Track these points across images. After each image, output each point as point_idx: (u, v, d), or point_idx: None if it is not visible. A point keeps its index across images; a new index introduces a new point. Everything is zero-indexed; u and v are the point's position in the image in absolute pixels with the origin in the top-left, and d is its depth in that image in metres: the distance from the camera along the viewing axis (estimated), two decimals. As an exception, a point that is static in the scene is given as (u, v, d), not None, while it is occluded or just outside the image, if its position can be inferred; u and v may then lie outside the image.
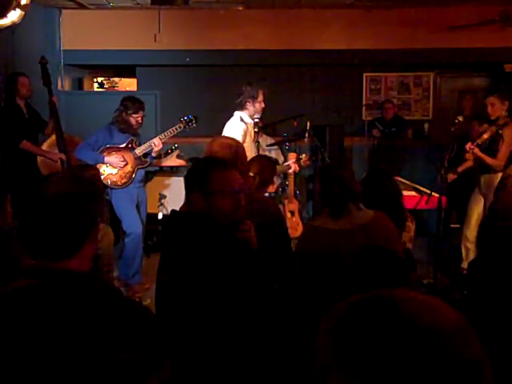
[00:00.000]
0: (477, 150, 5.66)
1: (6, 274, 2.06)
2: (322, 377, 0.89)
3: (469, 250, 5.88)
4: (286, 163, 6.16)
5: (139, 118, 5.59)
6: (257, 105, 5.55)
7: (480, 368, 0.86)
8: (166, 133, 5.68)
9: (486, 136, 5.72)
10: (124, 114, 5.54)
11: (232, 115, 5.55)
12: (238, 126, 5.38)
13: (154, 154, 5.70)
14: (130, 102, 5.59)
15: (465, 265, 5.83)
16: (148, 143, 5.66)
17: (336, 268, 2.88)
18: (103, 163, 5.55)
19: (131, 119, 5.55)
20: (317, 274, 2.94)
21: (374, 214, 3.02)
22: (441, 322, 0.88)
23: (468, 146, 5.69)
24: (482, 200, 5.82)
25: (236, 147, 3.19)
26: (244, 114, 5.50)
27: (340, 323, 0.91)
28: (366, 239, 2.89)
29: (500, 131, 5.64)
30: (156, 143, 5.61)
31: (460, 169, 6.33)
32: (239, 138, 5.06)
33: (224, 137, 3.33)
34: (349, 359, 0.87)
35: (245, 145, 5.17)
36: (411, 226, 3.71)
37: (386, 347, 0.85)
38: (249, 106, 5.53)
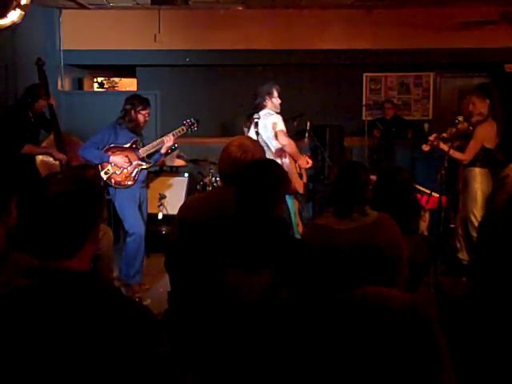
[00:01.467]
0: (437, 142, 5.80)
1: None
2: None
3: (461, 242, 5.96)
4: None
5: (147, 115, 5.63)
6: (274, 100, 5.71)
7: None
8: (173, 133, 5.68)
9: (453, 130, 5.95)
10: (133, 111, 5.55)
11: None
12: (275, 117, 5.60)
13: (163, 151, 5.70)
14: (137, 99, 5.63)
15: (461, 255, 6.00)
16: (152, 144, 5.67)
17: (336, 267, 2.88)
18: (108, 162, 5.56)
19: (140, 116, 5.57)
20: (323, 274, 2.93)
21: (378, 215, 3.02)
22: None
23: (432, 137, 5.88)
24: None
25: (252, 149, 3.16)
26: (269, 110, 5.66)
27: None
28: (367, 239, 2.90)
29: (471, 127, 5.79)
30: (167, 139, 5.63)
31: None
32: (283, 127, 5.48)
33: (243, 138, 3.32)
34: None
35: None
36: (426, 215, 3.74)
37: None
38: (267, 102, 5.69)
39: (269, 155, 5.53)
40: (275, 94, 5.72)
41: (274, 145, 5.62)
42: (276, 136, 5.53)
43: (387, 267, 2.87)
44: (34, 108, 5.89)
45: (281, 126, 5.56)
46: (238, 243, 2.46)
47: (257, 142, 3.33)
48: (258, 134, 5.38)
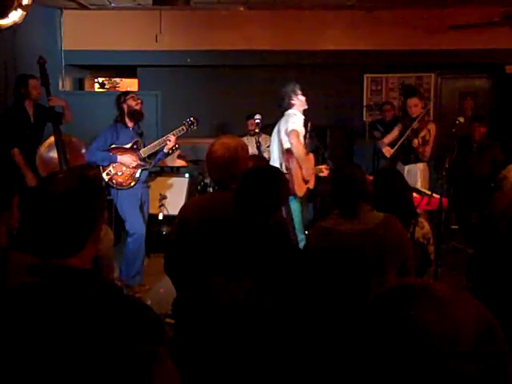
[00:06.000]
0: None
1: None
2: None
3: None
4: (319, 166, 6.29)
5: (136, 99, 5.68)
6: (300, 97, 5.75)
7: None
8: (173, 132, 5.69)
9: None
10: (122, 104, 5.65)
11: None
12: (298, 118, 5.64)
13: (165, 150, 5.71)
14: (120, 94, 5.78)
15: None
16: (153, 144, 5.68)
17: (347, 269, 2.88)
18: (116, 162, 5.59)
19: (130, 102, 5.65)
20: (327, 275, 2.92)
21: (385, 216, 3.02)
22: (451, 329, 0.88)
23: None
24: None
25: (234, 148, 3.14)
26: (295, 111, 5.68)
27: (368, 308, 0.97)
28: (377, 240, 2.89)
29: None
30: (168, 139, 5.64)
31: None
32: (298, 128, 5.49)
33: (227, 137, 3.32)
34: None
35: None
36: (424, 222, 3.71)
37: (385, 345, 0.89)
38: (295, 100, 5.72)
39: (280, 157, 5.55)
40: (299, 91, 5.75)
41: (285, 146, 5.67)
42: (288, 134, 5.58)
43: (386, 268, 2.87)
44: (31, 94, 5.85)
45: (296, 126, 5.58)
46: (225, 250, 2.46)
47: (238, 138, 3.31)
48: (258, 134, 5.38)
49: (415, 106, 6.36)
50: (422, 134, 6.33)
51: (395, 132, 6.55)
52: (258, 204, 2.51)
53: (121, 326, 1.44)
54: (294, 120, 5.61)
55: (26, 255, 2.03)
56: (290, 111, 5.70)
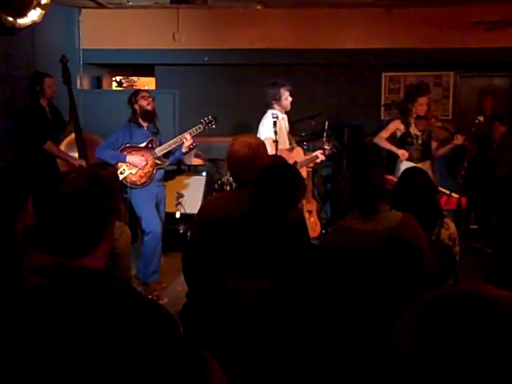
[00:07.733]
0: None
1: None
2: (400, 364, 0.92)
3: None
4: (314, 153, 6.23)
5: (147, 99, 5.68)
6: (283, 103, 5.85)
7: None
8: (189, 131, 5.68)
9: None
10: (134, 104, 5.66)
11: (253, 114, 5.88)
12: (268, 122, 5.70)
13: (184, 150, 5.70)
14: (131, 94, 5.80)
15: None
16: (168, 143, 5.69)
17: (366, 268, 2.86)
18: (125, 162, 5.59)
19: (141, 102, 5.65)
20: (345, 274, 2.90)
21: (404, 216, 3.00)
22: None
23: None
24: None
25: (256, 146, 3.17)
26: (274, 111, 5.76)
27: (424, 314, 0.94)
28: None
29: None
30: (184, 138, 5.63)
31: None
32: (271, 133, 5.48)
33: (246, 135, 3.34)
34: (430, 347, 0.89)
35: (280, 138, 5.56)
36: (450, 223, 3.66)
37: (469, 336, 0.88)
38: (275, 105, 5.85)
39: None
40: (283, 96, 5.83)
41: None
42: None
43: (416, 259, 2.84)
44: (46, 92, 5.89)
45: (267, 133, 5.64)
46: (243, 245, 2.46)
47: (256, 137, 3.36)
48: (276, 133, 5.37)
49: (426, 104, 6.35)
50: (442, 135, 6.32)
51: (392, 127, 6.56)
52: (274, 200, 2.51)
53: (134, 326, 1.43)
54: (265, 123, 5.78)
55: (44, 254, 2.04)
56: (268, 111, 5.86)
